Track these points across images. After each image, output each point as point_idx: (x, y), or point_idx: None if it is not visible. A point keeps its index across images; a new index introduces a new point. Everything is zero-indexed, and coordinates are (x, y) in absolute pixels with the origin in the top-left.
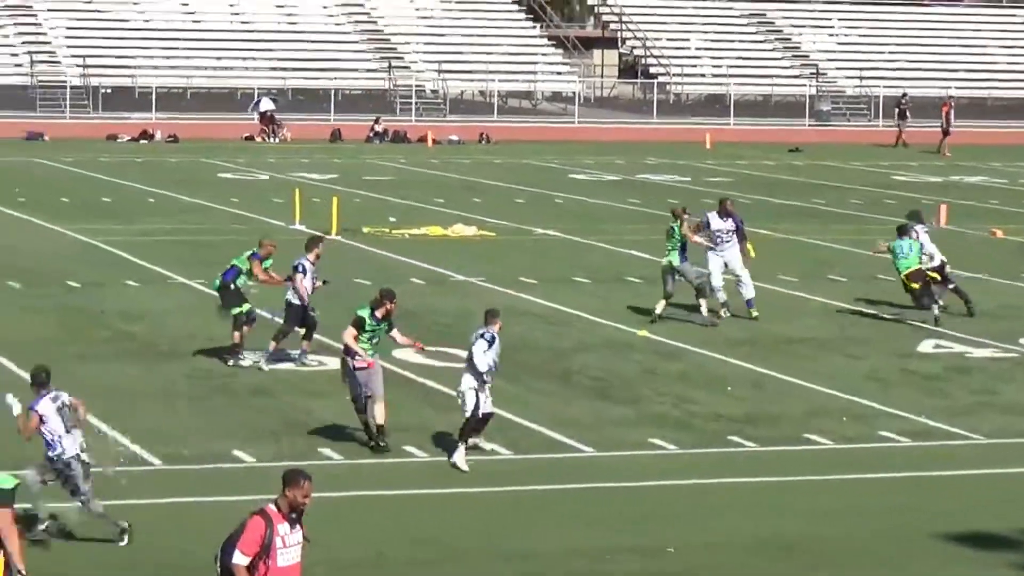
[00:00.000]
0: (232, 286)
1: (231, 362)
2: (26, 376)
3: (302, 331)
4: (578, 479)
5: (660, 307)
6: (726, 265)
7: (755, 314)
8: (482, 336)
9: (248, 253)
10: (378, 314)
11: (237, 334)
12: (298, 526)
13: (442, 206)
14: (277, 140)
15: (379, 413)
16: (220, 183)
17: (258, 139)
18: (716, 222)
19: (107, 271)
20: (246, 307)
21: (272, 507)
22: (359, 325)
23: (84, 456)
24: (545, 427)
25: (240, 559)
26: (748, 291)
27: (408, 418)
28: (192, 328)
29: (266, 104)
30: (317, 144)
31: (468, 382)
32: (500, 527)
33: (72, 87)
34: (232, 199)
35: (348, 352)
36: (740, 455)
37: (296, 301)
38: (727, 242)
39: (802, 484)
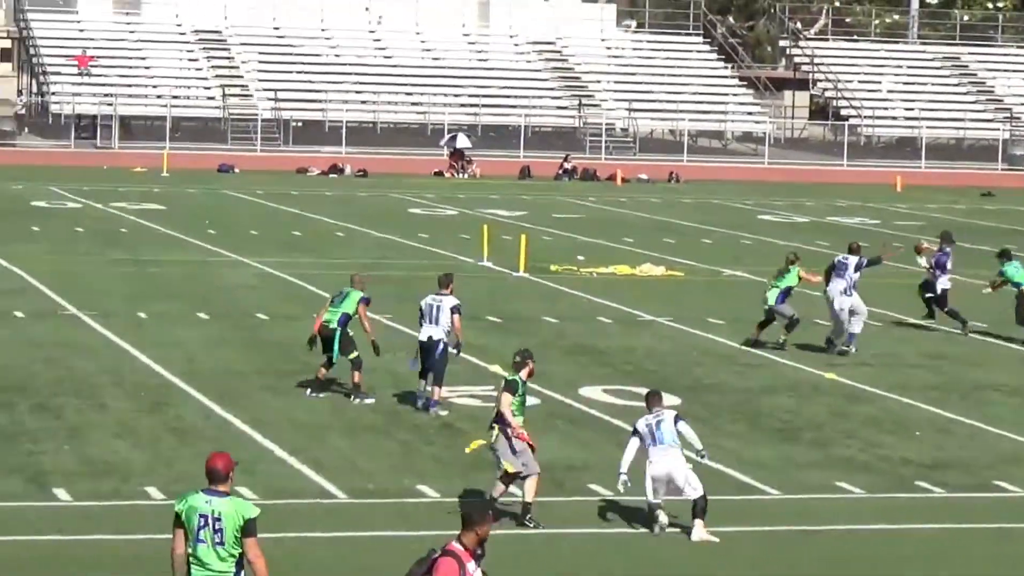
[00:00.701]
0: (349, 332)
1: (357, 400)
2: (215, 406)
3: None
4: (763, 521)
5: (755, 333)
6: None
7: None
8: (681, 419)
9: (358, 297)
10: (523, 375)
11: (357, 374)
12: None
13: (631, 245)
14: (466, 176)
15: (530, 489)
16: (409, 218)
17: (447, 175)
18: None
19: (296, 304)
20: (356, 353)
21: (457, 545)
22: (513, 390)
23: None
24: (731, 468)
25: None
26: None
27: (594, 456)
28: (378, 363)
29: (462, 141)
30: (506, 180)
31: (681, 462)
32: (682, 568)
33: (263, 120)
34: (421, 234)
35: (501, 421)
36: (928, 501)
37: (448, 341)
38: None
39: (990, 532)
